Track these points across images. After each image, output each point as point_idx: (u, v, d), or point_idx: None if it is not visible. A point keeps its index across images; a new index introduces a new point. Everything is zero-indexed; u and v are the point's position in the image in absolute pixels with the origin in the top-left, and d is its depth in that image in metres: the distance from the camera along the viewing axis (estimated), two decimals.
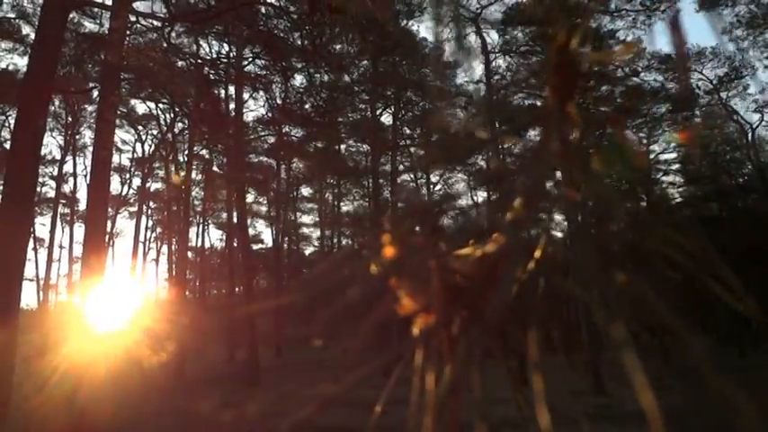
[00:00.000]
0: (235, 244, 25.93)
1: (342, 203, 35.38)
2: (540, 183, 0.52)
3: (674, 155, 25.53)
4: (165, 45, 15.45)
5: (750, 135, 24.73)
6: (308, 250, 42.34)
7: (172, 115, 25.43)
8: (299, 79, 22.80)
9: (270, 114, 25.21)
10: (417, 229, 0.53)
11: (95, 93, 17.60)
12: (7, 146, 17.88)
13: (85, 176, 29.20)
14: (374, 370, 0.52)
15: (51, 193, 29.40)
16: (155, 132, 29.04)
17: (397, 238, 0.51)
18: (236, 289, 26.67)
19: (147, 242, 35.92)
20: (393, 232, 0.51)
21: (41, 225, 30.47)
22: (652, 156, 25.50)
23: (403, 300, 0.51)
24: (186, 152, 25.41)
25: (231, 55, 20.92)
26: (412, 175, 31.68)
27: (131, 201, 33.11)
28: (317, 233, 39.23)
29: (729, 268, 0.51)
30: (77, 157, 29.88)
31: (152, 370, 15.93)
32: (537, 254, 0.51)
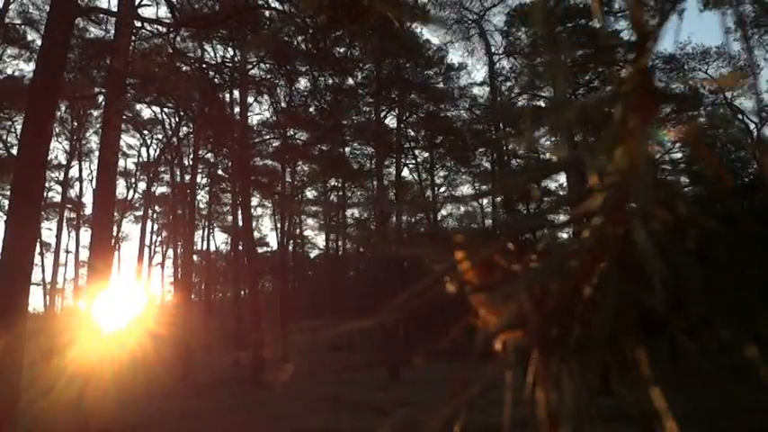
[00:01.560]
0: (240, 247, 25.99)
1: (346, 206, 35.42)
2: (627, 199, 0.52)
3: (679, 154, 25.44)
4: (170, 50, 15.52)
5: (755, 134, 24.66)
6: (314, 253, 42.40)
7: (177, 119, 25.55)
8: (303, 82, 22.87)
9: (274, 118, 25.30)
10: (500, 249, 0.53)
11: (101, 98, 17.68)
12: (14, 151, 18.00)
13: (91, 181, 29.32)
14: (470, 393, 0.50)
15: (58, 198, 29.53)
16: (160, 137, 29.15)
17: (479, 259, 0.50)
18: (242, 292, 26.74)
19: (153, 246, 36.04)
20: (471, 251, 0.50)
21: (48, 230, 30.57)
22: (657, 156, 25.38)
23: (486, 318, 0.50)
24: (191, 156, 25.50)
25: (236, 59, 21.00)
26: (416, 178, 31.69)
27: (137, 205, 33.22)
28: (321, 237, 39.25)
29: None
30: (83, 162, 30.01)
31: (158, 373, 15.98)
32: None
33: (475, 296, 0.51)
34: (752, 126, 24.43)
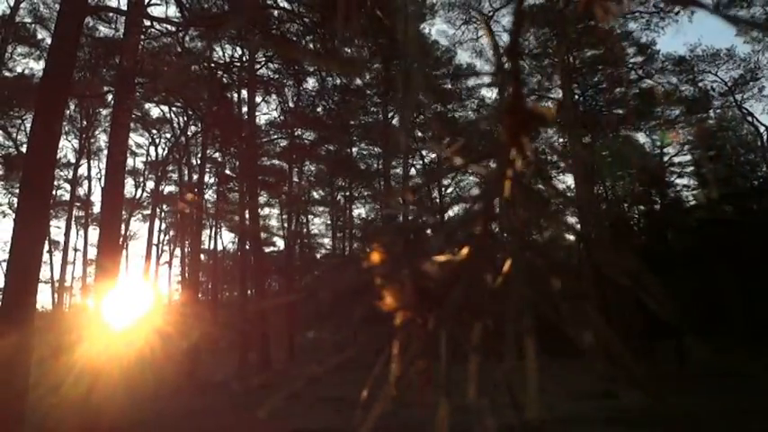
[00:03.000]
0: (247, 247, 26.05)
1: (354, 206, 35.45)
2: (492, 207, 0.64)
3: (688, 157, 25.33)
4: (178, 49, 15.58)
5: (765, 137, 24.49)
6: (320, 253, 42.40)
7: (185, 119, 25.63)
8: (311, 82, 22.91)
9: (282, 117, 25.35)
10: (398, 240, 0.65)
11: (110, 97, 17.78)
12: (24, 149, 18.11)
13: (100, 180, 29.44)
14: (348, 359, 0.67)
15: (66, 197, 29.69)
16: (168, 136, 29.25)
17: (382, 248, 0.61)
18: (249, 291, 26.78)
19: (161, 245, 36.17)
20: (379, 242, 0.62)
21: (56, 228, 30.68)
22: (666, 159, 25.31)
23: (386, 299, 0.62)
24: (199, 155, 25.58)
25: (244, 59, 21.05)
26: (423, 178, 31.66)
27: (145, 204, 33.34)
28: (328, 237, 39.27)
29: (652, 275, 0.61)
30: (92, 161, 30.16)
31: (165, 371, 16.03)
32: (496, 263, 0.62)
33: (379, 281, 0.62)
34: (761, 129, 24.28)
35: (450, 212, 32.18)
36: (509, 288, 0.59)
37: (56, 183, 25.48)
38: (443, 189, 31.63)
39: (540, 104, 0.66)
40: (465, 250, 0.61)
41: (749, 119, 24.44)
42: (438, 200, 31.41)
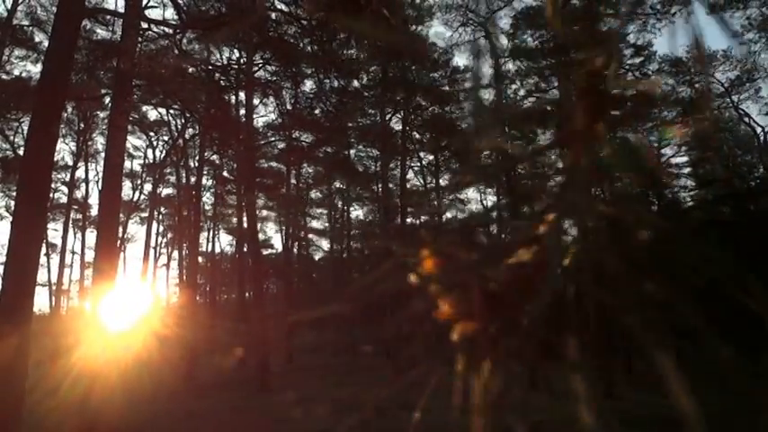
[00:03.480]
0: (245, 249, 26.02)
1: (351, 208, 35.45)
2: (572, 198, 0.54)
3: (685, 158, 25.38)
4: (176, 52, 15.58)
5: (762, 138, 24.54)
6: (318, 255, 42.39)
7: (183, 121, 25.59)
8: (308, 85, 22.91)
9: (280, 120, 25.33)
10: (455, 242, 0.55)
11: (107, 99, 17.77)
12: (21, 152, 18.08)
13: (97, 182, 29.40)
14: (424, 376, 0.54)
15: (64, 199, 29.62)
16: (166, 138, 29.21)
17: (436, 251, 0.52)
18: (247, 294, 26.75)
19: (159, 247, 36.13)
20: (432, 246, 0.53)
21: (54, 231, 30.66)
22: (663, 160, 25.34)
23: (442, 308, 0.53)
24: (197, 158, 25.55)
25: (242, 61, 21.04)
26: (421, 180, 31.68)
27: (143, 206, 33.29)
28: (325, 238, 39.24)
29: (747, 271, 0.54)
30: (89, 163, 30.08)
31: (163, 373, 16.00)
32: (567, 263, 0.53)
33: (432, 286, 0.53)
34: (758, 130, 24.33)
35: (449, 215, 32.23)
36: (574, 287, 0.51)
37: (53, 185, 25.47)
38: (441, 192, 31.67)
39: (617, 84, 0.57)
40: (534, 249, 0.52)
41: (746, 120, 24.50)
42: (436, 203, 31.45)
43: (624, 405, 10.54)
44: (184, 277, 30.61)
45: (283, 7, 14.52)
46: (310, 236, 38.16)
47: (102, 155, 22.88)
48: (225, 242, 45.54)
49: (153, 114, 27.34)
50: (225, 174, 29.27)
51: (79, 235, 32.53)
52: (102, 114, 25.31)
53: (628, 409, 9.98)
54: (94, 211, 28.61)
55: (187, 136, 26.48)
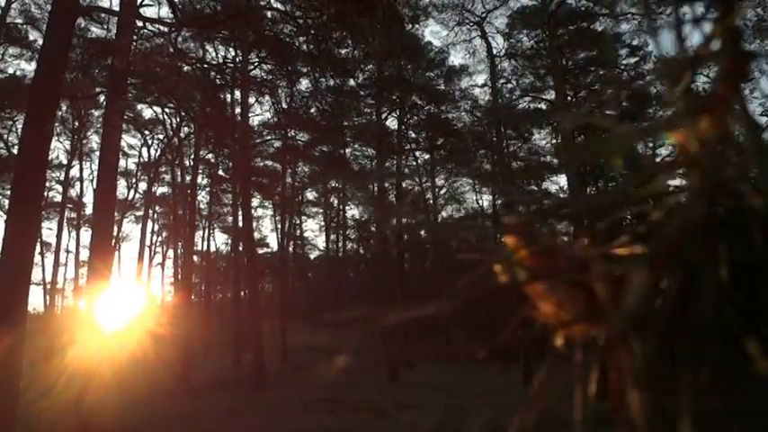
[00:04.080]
0: (240, 248, 25.99)
1: (347, 207, 35.43)
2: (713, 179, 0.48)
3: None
4: (171, 50, 15.53)
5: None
6: (314, 254, 42.39)
7: (178, 120, 25.53)
8: (304, 83, 22.89)
9: (275, 118, 25.30)
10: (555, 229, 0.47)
11: (102, 97, 17.70)
12: (15, 150, 18.01)
13: (92, 181, 29.31)
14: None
15: (58, 198, 29.51)
16: (161, 137, 29.13)
17: (537, 241, 0.44)
18: (242, 293, 26.72)
19: (154, 246, 36.01)
20: (530, 234, 0.45)
21: (48, 229, 30.52)
22: (658, 160, 25.37)
23: (544, 309, 0.45)
24: (192, 156, 25.51)
25: (237, 59, 21.01)
26: (417, 179, 31.68)
27: (137, 205, 33.21)
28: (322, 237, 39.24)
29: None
30: (84, 162, 29.97)
31: (158, 373, 15.96)
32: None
33: (533, 286, 0.45)
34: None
35: (444, 214, 32.26)
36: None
37: (47, 184, 25.35)
38: (437, 190, 31.71)
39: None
40: (669, 238, 0.42)
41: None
42: (432, 201, 31.47)
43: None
44: (179, 276, 30.59)
45: (279, 6, 14.50)
46: (306, 235, 38.18)
47: (97, 153, 22.86)
48: (220, 241, 45.59)
49: (148, 113, 27.29)
50: (220, 172, 29.22)
51: (74, 234, 32.47)
52: (96, 113, 25.25)
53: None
54: (89, 210, 28.51)
55: (182, 134, 26.44)
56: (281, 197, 29.78)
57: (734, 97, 0.46)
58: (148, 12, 25.71)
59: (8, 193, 16.27)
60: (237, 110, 21.59)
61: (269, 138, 27.22)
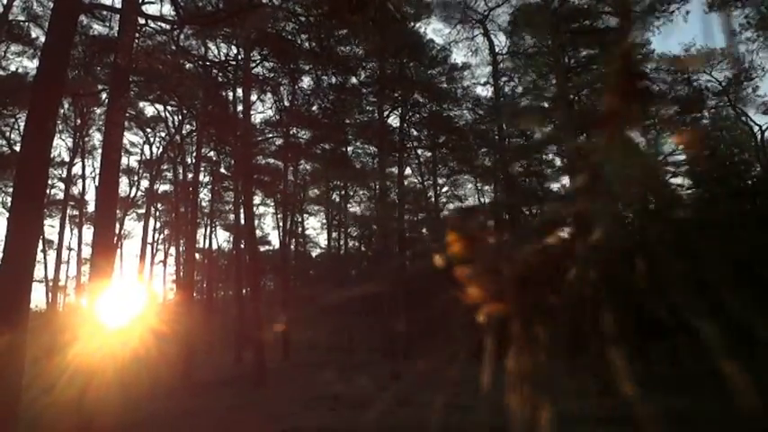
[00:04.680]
0: (242, 246, 26.01)
1: (349, 205, 35.42)
2: (600, 181, 0.56)
3: (682, 157, 25.40)
4: (173, 48, 15.52)
5: (759, 137, 24.58)
6: (315, 252, 42.39)
7: (180, 117, 25.55)
8: (306, 81, 22.89)
9: (277, 116, 25.30)
10: (483, 226, 0.57)
11: (104, 95, 17.71)
12: (18, 148, 18.02)
13: (94, 179, 29.35)
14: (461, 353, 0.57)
15: (60, 195, 29.54)
16: (163, 134, 29.17)
17: (464, 234, 0.54)
18: (244, 291, 26.74)
19: (155, 244, 36.07)
20: (460, 229, 0.54)
21: (50, 227, 30.59)
22: (660, 158, 25.35)
23: (470, 290, 0.54)
24: (194, 154, 25.50)
25: (239, 57, 21.00)
26: (419, 177, 31.69)
27: (139, 203, 33.25)
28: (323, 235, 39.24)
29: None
30: (86, 160, 29.98)
31: (160, 371, 15.98)
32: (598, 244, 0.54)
33: (460, 269, 0.54)
34: (755, 128, 24.37)
35: (446, 211, 32.24)
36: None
37: (50, 182, 25.37)
38: (438, 188, 31.69)
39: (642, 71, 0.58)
40: (566, 232, 0.53)
41: (743, 118, 24.52)
42: (433, 199, 31.45)
43: (620, 402, 10.52)
44: (181, 274, 30.60)
45: (282, 3, 14.47)
46: (308, 233, 38.20)
47: (99, 151, 22.82)
48: (222, 239, 45.56)
49: (150, 110, 27.33)
50: (222, 170, 29.24)
51: (76, 231, 32.52)
52: (98, 110, 25.28)
53: (624, 407, 9.96)
54: (91, 208, 28.57)
55: (184, 132, 26.45)
56: (282, 195, 29.78)
57: (626, 113, 0.54)
58: (151, 9, 25.69)
59: (10, 190, 16.28)
60: (239, 108, 21.60)
61: (271, 135, 27.25)
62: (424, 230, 31.74)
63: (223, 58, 21.45)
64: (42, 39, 16.05)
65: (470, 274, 0.52)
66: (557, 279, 0.49)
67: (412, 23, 23.11)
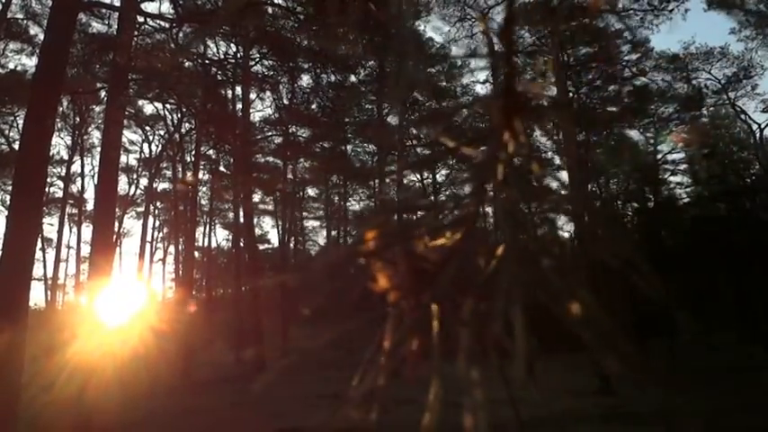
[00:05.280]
0: (241, 244, 26.01)
1: (348, 203, 35.39)
2: (483, 190, 0.65)
3: (681, 155, 25.43)
4: (172, 46, 15.50)
5: (758, 135, 24.58)
6: (314, 250, 42.36)
7: (179, 116, 25.51)
8: (305, 79, 22.87)
9: (276, 114, 25.29)
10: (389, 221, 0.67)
11: (103, 93, 17.70)
12: (17, 146, 18.00)
13: (93, 177, 29.32)
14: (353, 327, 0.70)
15: (59, 194, 29.55)
16: (162, 133, 29.15)
17: (376, 230, 0.62)
18: (243, 289, 26.74)
19: (155, 242, 36.02)
20: (373, 225, 0.63)
21: (49, 225, 30.56)
22: (659, 156, 25.39)
23: (379, 280, 0.63)
24: (193, 152, 25.49)
25: (238, 55, 20.98)
26: (418, 176, 31.65)
27: (139, 201, 33.22)
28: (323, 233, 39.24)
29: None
30: (85, 158, 29.99)
31: (159, 369, 15.99)
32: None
33: (372, 263, 0.64)
34: (754, 127, 24.37)
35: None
36: (501, 268, 0.60)
37: (49, 180, 25.35)
38: (437, 185, 31.67)
39: (534, 88, 0.68)
40: (458, 232, 0.63)
41: (742, 117, 24.53)
42: (433, 197, 31.42)
43: (620, 401, 10.56)
44: (180, 272, 30.62)
45: (280, 1, 14.46)
46: (307, 231, 38.20)
47: (98, 149, 22.80)
48: (221, 237, 45.57)
49: (149, 109, 27.29)
50: (221, 168, 29.21)
51: (75, 229, 32.50)
52: (97, 108, 25.23)
53: (623, 405, 10.00)
54: (90, 206, 28.52)
55: (183, 130, 26.42)
56: (282, 193, 29.77)
57: (509, 131, 0.65)
58: (149, 7, 25.70)
59: (9, 188, 16.27)
60: (238, 106, 21.61)
61: (270, 134, 27.21)
62: (423, 230, 31.69)
63: (222, 57, 21.44)
64: (41, 37, 16.00)
65: (379, 267, 0.63)
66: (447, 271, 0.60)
67: (411, 23, 23.10)
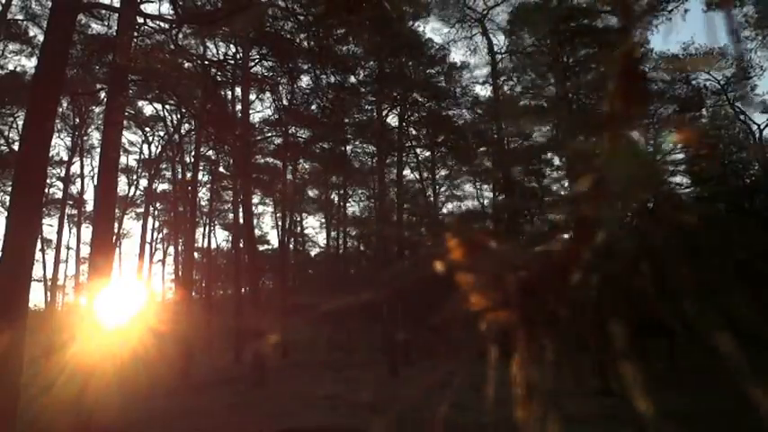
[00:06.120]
0: (241, 245, 26.00)
1: (348, 204, 35.39)
2: (605, 187, 0.55)
3: (681, 155, 25.39)
4: (172, 47, 15.50)
5: (758, 135, 24.59)
6: (314, 251, 42.36)
7: (179, 116, 25.53)
8: (305, 80, 22.86)
9: (276, 115, 25.28)
10: (485, 231, 0.55)
11: (103, 94, 17.69)
12: (16, 147, 18.00)
13: (93, 178, 29.29)
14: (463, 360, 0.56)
15: (59, 195, 29.51)
16: (162, 134, 29.14)
17: (465, 240, 0.51)
18: (243, 290, 26.74)
19: (154, 243, 35.99)
20: (460, 234, 0.51)
21: (49, 226, 30.52)
22: (659, 157, 25.35)
23: (473, 297, 0.51)
24: (193, 153, 25.49)
25: (238, 56, 20.98)
26: (418, 176, 31.64)
27: (138, 202, 33.21)
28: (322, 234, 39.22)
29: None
30: (85, 159, 29.94)
31: (159, 370, 15.98)
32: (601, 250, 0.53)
33: (461, 276, 0.51)
34: (754, 127, 24.39)
35: (445, 210, 32.24)
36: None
37: (48, 180, 25.37)
38: (437, 188, 31.67)
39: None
40: (567, 237, 0.52)
41: (741, 117, 24.54)
42: (432, 198, 31.43)
43: (621, 401, 10.54)
44: (180, 273, 30.62)
45: (280, 2, 14.45)
46: (306, 232, 38.20)
47: (98, 150, 22.82)
48: (221, 238, 45.61)
49: (149, 110, 27.29)
50: (221, 169, 29.21)
51: (74, 230, 32.47)
52: (97, 109, 25.22)
53: (624, 406, 9.97)
54: (90, 207, 28.50)
55: (183, 131, 26.43)
56: (281, 194, 29.76)
57: (628, 114, 0.52)
58: (149, 8, 25.70)
59: (9, 189, 16.27)
60: (238, 107, 21.58)
61: (270, 135, 27.22)
62: (423, 231, 31.73)
63: (222, 58, 21.44)
64: (41, 37, 16.03)
65: (472, 281, 0.49)
66: (560, 284, 0.47)
67: (411, 22, 23.12)
